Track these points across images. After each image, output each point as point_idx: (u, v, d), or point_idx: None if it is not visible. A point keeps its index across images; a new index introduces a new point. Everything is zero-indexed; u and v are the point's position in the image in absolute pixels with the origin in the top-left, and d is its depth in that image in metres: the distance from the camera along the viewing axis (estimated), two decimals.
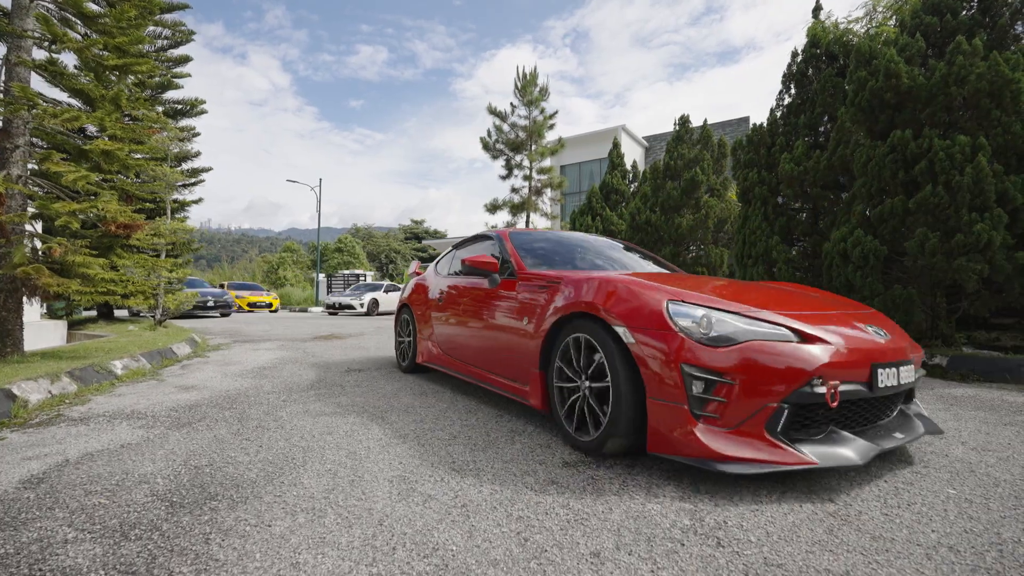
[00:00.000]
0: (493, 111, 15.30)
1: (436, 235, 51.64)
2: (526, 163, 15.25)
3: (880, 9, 7.95)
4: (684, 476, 1.88)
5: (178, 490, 1.76)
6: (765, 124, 7.23)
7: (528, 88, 14.91)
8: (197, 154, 9.48)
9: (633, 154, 23.68)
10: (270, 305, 19.19)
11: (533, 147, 15.12)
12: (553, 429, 2.58)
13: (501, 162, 15.48)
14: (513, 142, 15.08)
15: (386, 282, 17.73)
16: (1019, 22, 4.87)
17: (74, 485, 1.81)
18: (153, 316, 7.09)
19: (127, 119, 5.80)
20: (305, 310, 21.34)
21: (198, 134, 9.66)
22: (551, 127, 15.15)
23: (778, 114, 7.19)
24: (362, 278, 23.81)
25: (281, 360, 5.28)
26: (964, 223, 4.41)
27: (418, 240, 49.88)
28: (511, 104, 15.20)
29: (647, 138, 25.80)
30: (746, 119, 23.95)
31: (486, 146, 15.48)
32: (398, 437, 2.43)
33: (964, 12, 5.12)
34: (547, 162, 15.96)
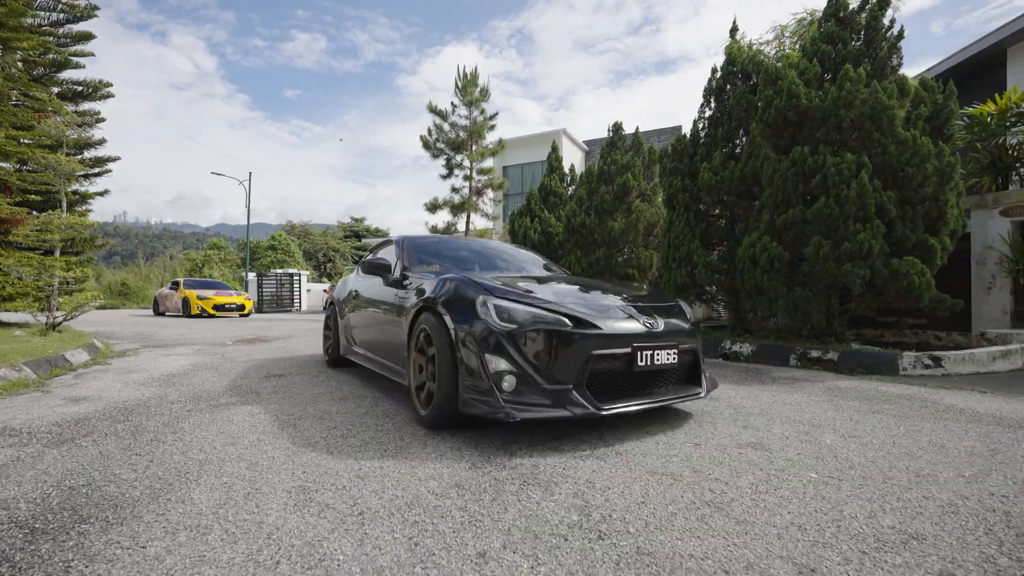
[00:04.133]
0: (433, 110, 15.12)
1: (378, 233, 50.20)
2: (467, 163, 15.20)
3: (787, 34, 8.69)
4: (580, 475, 1.97)
5: (43, 515, 1.62)
6: (688, 135, 7.68)
7: (469, 88, 14.87)
8: (101, 141, 8.63)
9: (574, 157, 24.26)
10: (242, 308, 15.83)
11: (474, 147, 15.10)
12: (467, 435, 2.61)
13: (442, 161, 15.33)
14: (454, 142, 14.98)
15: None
16: (895, 55, 5.49)
17: None
18: (46, 320, 6.38)
19: (13, 103, 5.19)
20: None
21: (103, 119, 8.80)
22: (492, 128, 15.19)
23: (700, 126, 7.65)
24: (296, 277, 22.70)
25: (194, 366, 4.95)
26: (850, 232, 4.91)
27: (358, 238, 48.29)
28: (452, 103, 15.09)
29: (587, 142, 26.51)
30: (679, 128, 25.24)
31: (427, 145, 15.27)
32: (307, 445, 2.36)
33: (852, 43, 5.70)
34: (488, 163, 16.00)
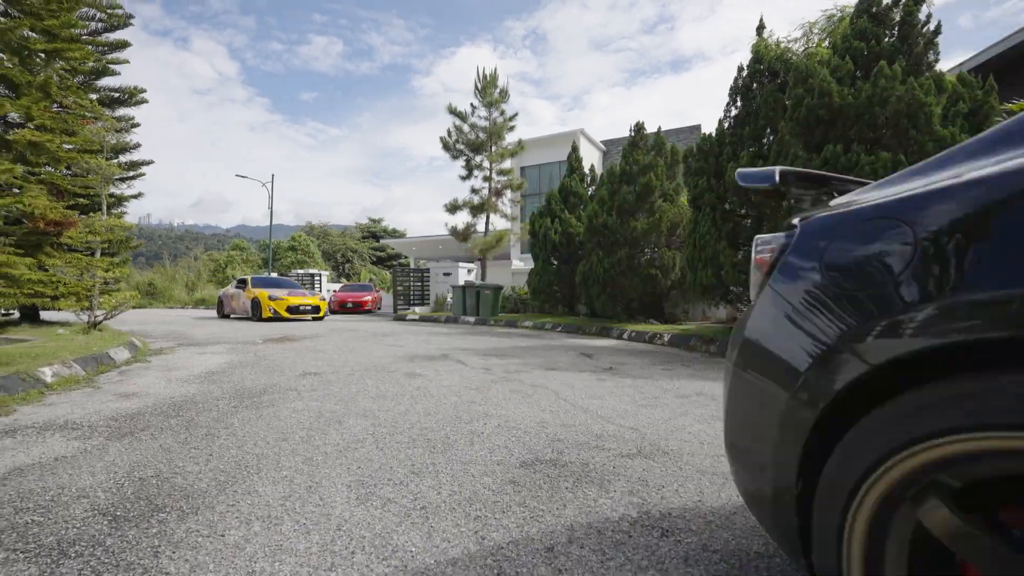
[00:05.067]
0: (453, 111, 15.24)
1: (395, 234, 50.71)
2: (486, 164, 15.28)
3: (816, 31, 8.55)
4: (632, 473, 1.99)
5: (122, 503, 1.70)
6: (714, 134, 7.61)
7: (488, 89, 14.95)
8: (136, 146, 8.91)
9: (591, 157, 24.18)
10: (317, 310, 13.56)
11: (493, 148, 15.18)
12: (513, 433, 2.64)
13: (461, 162, 15.45)
14: (473, 143, 15.07)
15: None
16: (931, 51, 5.37)
17: (1, 504, 1.70)
18: (88, 319, 6.61)
19: (56, 108, 5.40)
20: None
21: (137, 124, 9.07)
22: (511, 129, 15.26)
23: (726, 125, 7.58)
24: (317, 278, 23.05)
25: (230, 364, 5.08)
26: None
27: (376, 239, 48.83)
28: (471, 105, 15.19)
29: (604, 142, 26.39)
30: (697, 127, 24.95)
31: (446, 146, 15.40)
32: (355, 442, 2.42)
33: (886, 39, 5.60)
34: (507, 163, 16.06)
